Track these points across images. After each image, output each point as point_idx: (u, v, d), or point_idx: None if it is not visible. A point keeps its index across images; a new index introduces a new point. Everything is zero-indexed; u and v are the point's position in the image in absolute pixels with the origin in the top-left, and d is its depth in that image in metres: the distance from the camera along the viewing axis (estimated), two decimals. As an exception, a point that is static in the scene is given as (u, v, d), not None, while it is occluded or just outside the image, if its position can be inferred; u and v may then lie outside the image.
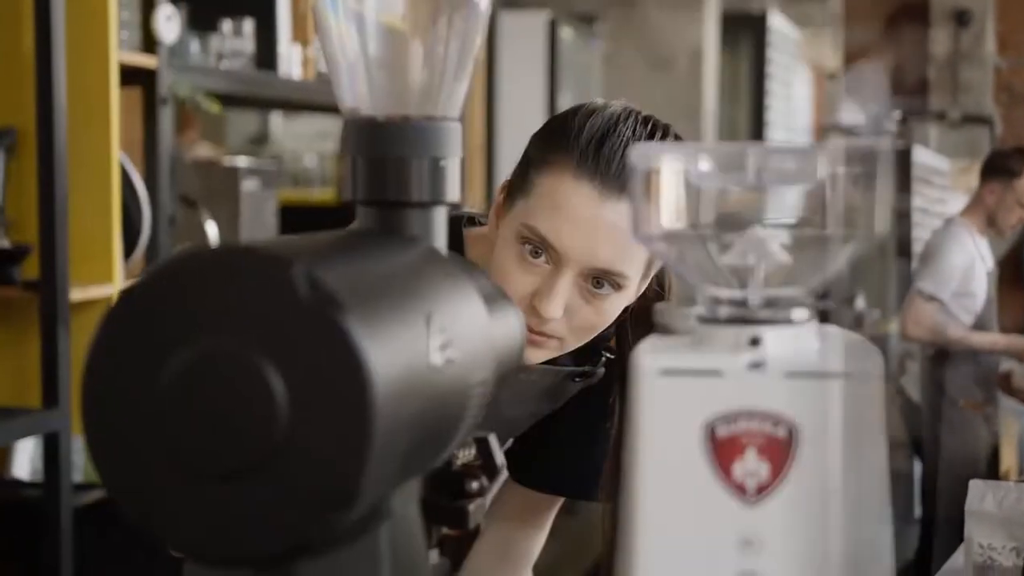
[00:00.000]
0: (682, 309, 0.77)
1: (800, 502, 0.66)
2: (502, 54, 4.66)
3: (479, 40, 0.83)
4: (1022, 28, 9.78)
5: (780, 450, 0.66)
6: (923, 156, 7.19)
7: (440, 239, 0.80)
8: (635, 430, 0.68)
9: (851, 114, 5.28)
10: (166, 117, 2.60)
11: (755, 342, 0.67)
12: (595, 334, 1.27)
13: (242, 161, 3.01)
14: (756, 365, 0.67)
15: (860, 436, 0.66)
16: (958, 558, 2.11)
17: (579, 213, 1.20)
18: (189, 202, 2.86)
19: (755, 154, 0.68)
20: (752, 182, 0.68)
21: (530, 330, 1.22)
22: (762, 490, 0.66)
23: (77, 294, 2.36)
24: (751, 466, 0.66)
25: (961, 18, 9.32)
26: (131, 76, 2.57)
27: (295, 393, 0.59)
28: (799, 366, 0.66)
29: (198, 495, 0.61)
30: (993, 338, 4.27)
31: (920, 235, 7.29)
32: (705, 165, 0.69)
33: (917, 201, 6.84)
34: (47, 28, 2.30)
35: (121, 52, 2.48)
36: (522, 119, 4.94)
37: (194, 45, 2.85)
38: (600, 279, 1.22)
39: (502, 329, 0.80)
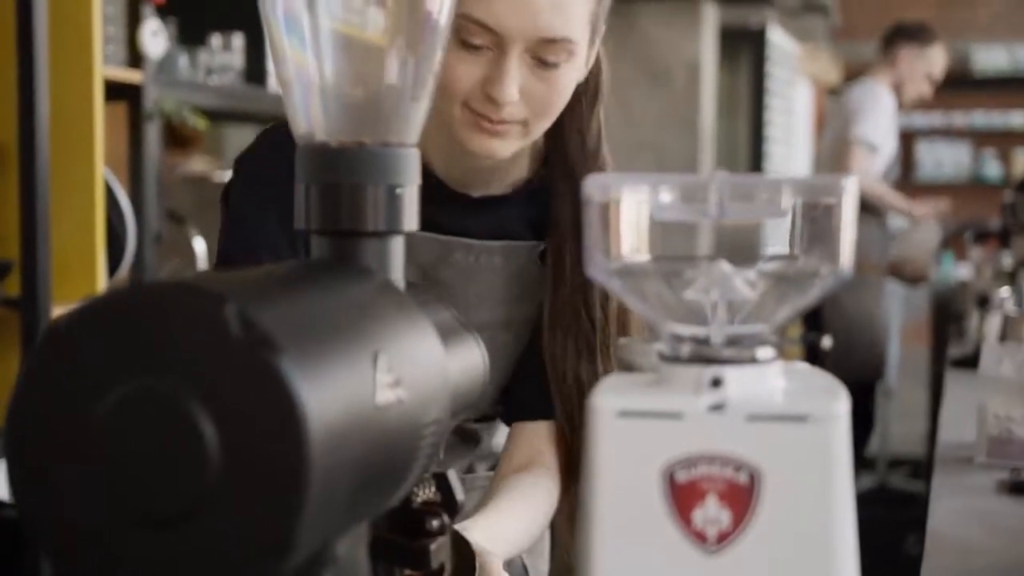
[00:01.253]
0: (644, 345, 0.74)
1: (763, 551, 0.63)
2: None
3: (437, 61, 0.80)
4: None
5: (742, 497, 0.63)
6: (777, 37, 7.22)
7: (396, 270, 0.77)
8: (592, 474, 0.65)
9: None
10: (152, 133, 2.58)
11: (716, 383, 0.64)
12: (555, 113, 1.23)
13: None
14: (717, 407, 0.64)
15: (825, 481, 0.63)
16: (965, 429, 1.96)
17: None
18: (177, 218, 2.83)
19: (717, 186, 0.65)
20: (714, 214, 0.65)
21: (489, 120, 1.20)
22: (723, 538, 0.63)
23: (60, 312, 2.33)
24: (712, 513, 0.63)
25: None
26: (117, 91, 2.54)
27: (227, 437, 0.56)
28: (762, 408, 0.63)
29: (126, 540, 0.58)
30: (905, 202, 4.42)
31: (772, 118, 7.35)
32: (666, 197, 0.66)
33: (769, 83, 6.99)
34: (30, 42, 2.27)
35: (106, 67, 2.46)
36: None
37: (183, 59, 2.82)
38: (546, 54, 1.18)
39: (460, 363, 0.77)
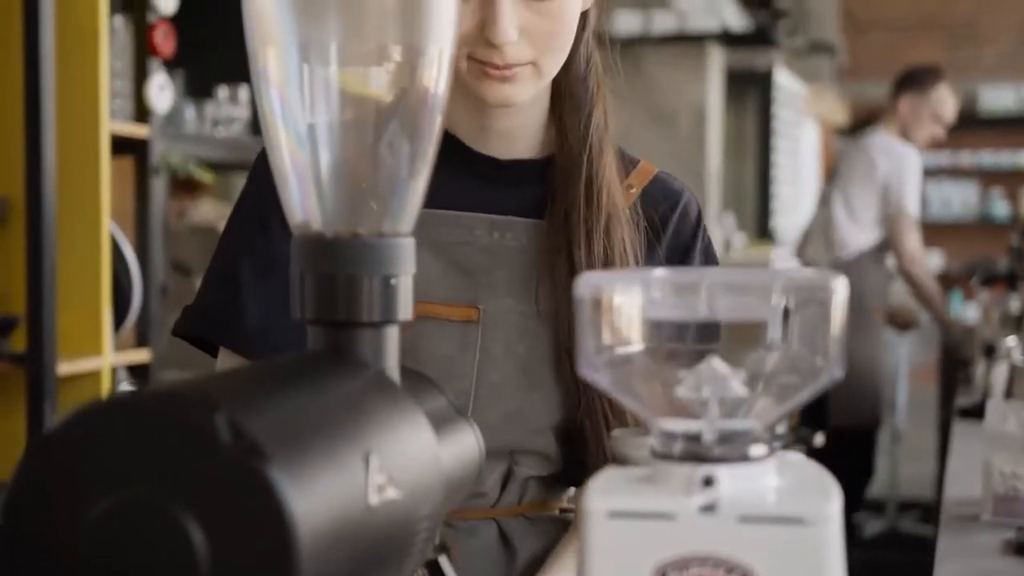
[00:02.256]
0: (637, 439, 0.74)
1: (755, 654, 0.62)
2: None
3: (432, 152, 0.80)
4: None
5: (734, 599, 0.62)
6: (783, 78, 7.24)
7: (391, 359, 0.77)
8: (585, 573, 0.65)
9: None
10: (158, 186, 2.59)
11: (708, 482, 0.64)
12: (566, 46, 1.17)
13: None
14: (709, 508, 0.63)
15: (819, 583, 0.63)
16: (971, 484, 1.94)
17: None
18: (184, 269, 2.84)
19: (708, 284, 0.65)
20: (705, 312, 0.66)
21: (496, 67, 1.14)
22: (716, 640, 0.63)
23: (65, 367, 2.33)
24: (704, 614, 0.63)
25: None
26: (124, 145, 2.56)
27: (216, 546, 0.56)
28: (754, 509, 0.63)
29: (117, 651, 0.58)
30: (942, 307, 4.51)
31: (779, 160, 7.36)
32: (656, 294, 0.66)
33: (775, 124, 7.01)
34: (38, 97, 2.29)
35: (113, 122, 2.47)
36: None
37: (189, 112, 2.84)
38: None
39: (454, 452, 0.77)
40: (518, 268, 1.23)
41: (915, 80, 4.40)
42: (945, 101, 4.47)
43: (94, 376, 2.43)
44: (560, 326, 1.21)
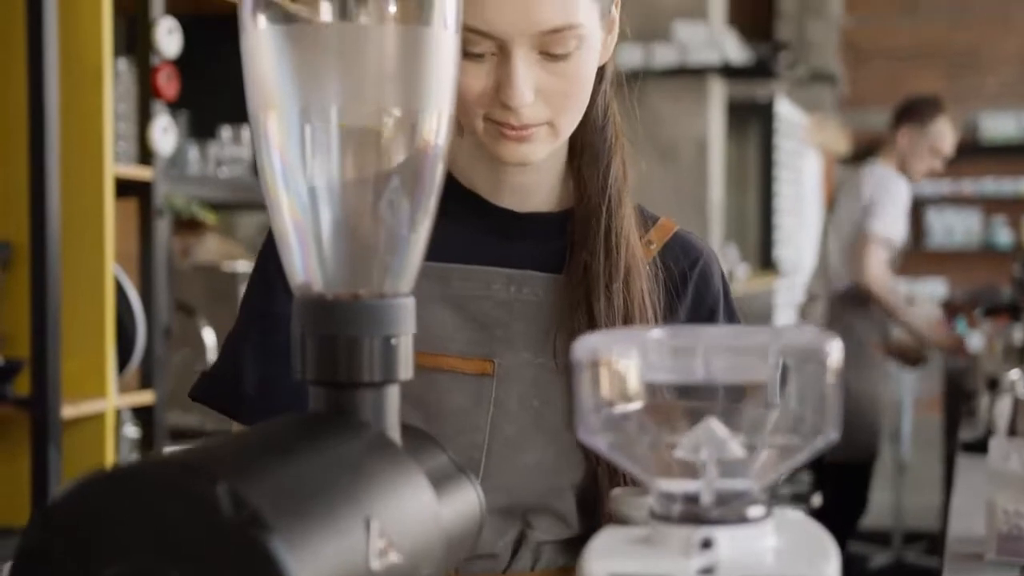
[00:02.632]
0: (636, 498, 0.74)
1: None
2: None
3: (431, 212, 0.81)
4: None
5: (734, 661, 0.63)
6: (784, 108, 7.26)
7: (392, 419, 0.78)
8: (584, 636, 0.65)
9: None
10: (162, 228, 2.60)
11: (707, 544, 0.65)
12: (582, 105, 1.16)
13: (242, 265, 3.00)
14: (707, 571, 0.64)
15: (818, 644, 0.63)
16: (975, 522, 1.92)
17: None
18: (187, 310, 2.85)
19: (705, 346, 0.66)
20: (702, 374, 0.66)
21: (512, 128, 1.12)
22: None
23: (69, 410, 2.34)
24: (704, 677, 0.63)
25: None
26: (127, 188, 2.57)
27: (219, 616, 0.57)
28: (753, 571, 0.64)
29: None
30: (920, 323, 4.44)
31: (782, 190, 7.37)
32: (653, 356, 0.67)
33: (777, 155, 7.01)
34: (42, 141, 2.30)
35: (117, 165, 2.49)
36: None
37: (192, 152, 2.86)
38: (553, 47, 1.10)
39: (454, 510, 0.78)
40: (535, 322, 1.22)
41: (915, 112, 4.40)
42: (944, 135, 4.48)
43: (98, 419, 2.43)
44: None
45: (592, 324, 1.19)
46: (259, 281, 1.25)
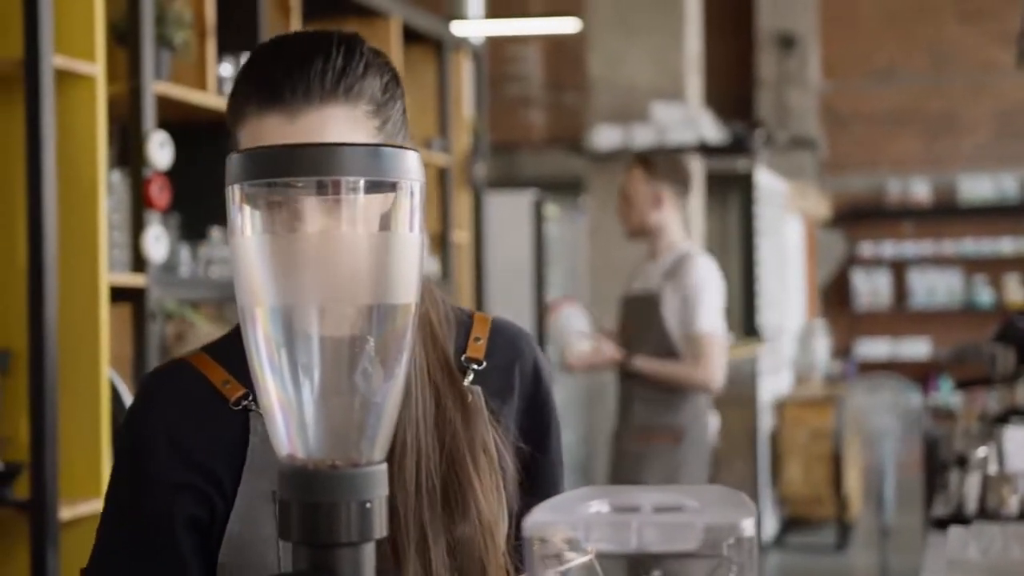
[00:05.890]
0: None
1: None
2: (490, 231, 4.80)
3: (401, 383, 0.91)
4: (845, 51, 10.08)
5: None
6: (764, 178, 7.40)
7: (368, 574, 0.88)
8: None
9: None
10: (154, 332, 2.71)
11: None
12: None
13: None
14: None
15: None
16: None
17: (271, 143, 1.14)
18: (179, 404, 2.94)
19: (637, 523, 0.76)
20: (635, 548, 0.76)
21: None
22: None
23: (67, 512, 2.43)
24: None
25: (786, 42, 9.59)
26: (121, 294, 2.67)
27: None
28: None
29: None
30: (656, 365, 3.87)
31: (763, 257, 7.47)
32: (593, 532, 0.77)
33: (758, 223, 7.10)
34: (40, 252, 2.41)
35: (112, 273, 2.59)
36: (509, 294, 5.06)
37: (184, 254, 2.96)
38: None
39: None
40: None
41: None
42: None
43: (94, 519, 2.51)
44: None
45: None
46: (128, 475, 1.25)
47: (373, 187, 0.87)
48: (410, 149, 0.88)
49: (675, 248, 3.87)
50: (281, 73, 1.17)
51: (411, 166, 0.88)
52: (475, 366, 1.29)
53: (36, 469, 2.37)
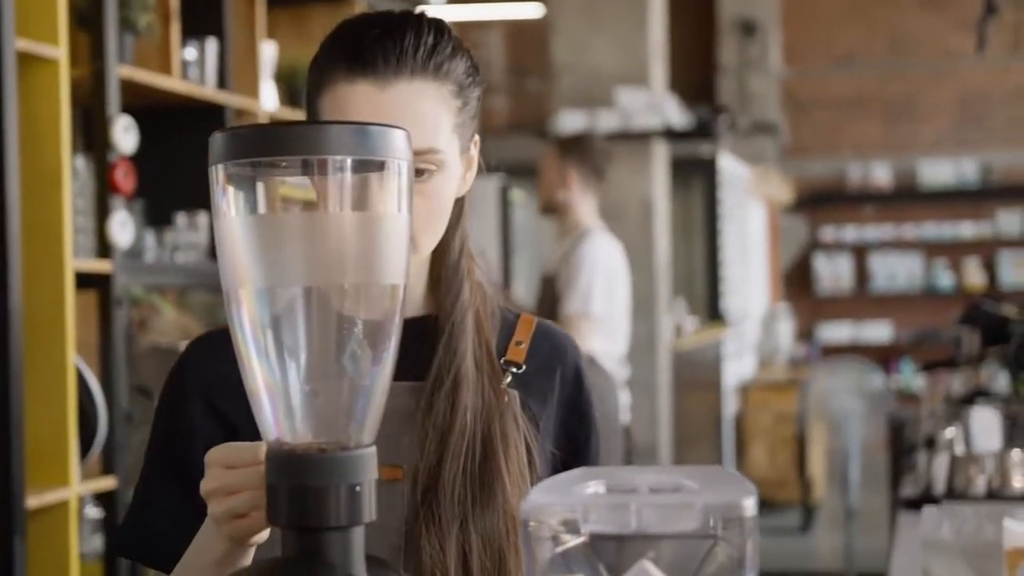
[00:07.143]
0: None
1: None
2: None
3: (390, 366, 0.90)
4: (807, 38, 10.15)
5: None
6: (727, 163, 7.45)
7: (358, 558, 0.86)
8: None
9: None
10: (120, 318, 2.67)
11: None
12: (439, 227, 1.22)
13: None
14: None
15: None
16: None
17: (360, 111, 1.17)
18: (145, 392, 2.91)
19: (636, 504, 0.75)
20: (634, 529, 0.75)
21: None
22: None
23: (33, 500, 2.40)
24: None
25: (747, 28, 9.64)
26: (87, 280, 2.64)
27: None
28: None
29: None
30: None
31: (727, 241, 7.53)
32: (591, 514, 0.76)
33: (721, 208, 7.13)
34: (4, 238, 2.37)
35: (77, 259, 2.56)
36: (477, 280, 5.03)
37: (150, 240, 2.93)
38: (416, 164, 1.12)
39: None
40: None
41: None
42: None
43: (62, 507, 2.49)
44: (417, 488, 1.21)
45: (424, 430, 1.22)
46: (166, 427, 1.27)
47: (360, 166, 0.86)
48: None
49: (578, 229, 3.87)
50: (373, 42, 1.19)
51: (399, 145, 0.87)
52: (514, 369, 1.29)
53: (2, 457, 2.34)
